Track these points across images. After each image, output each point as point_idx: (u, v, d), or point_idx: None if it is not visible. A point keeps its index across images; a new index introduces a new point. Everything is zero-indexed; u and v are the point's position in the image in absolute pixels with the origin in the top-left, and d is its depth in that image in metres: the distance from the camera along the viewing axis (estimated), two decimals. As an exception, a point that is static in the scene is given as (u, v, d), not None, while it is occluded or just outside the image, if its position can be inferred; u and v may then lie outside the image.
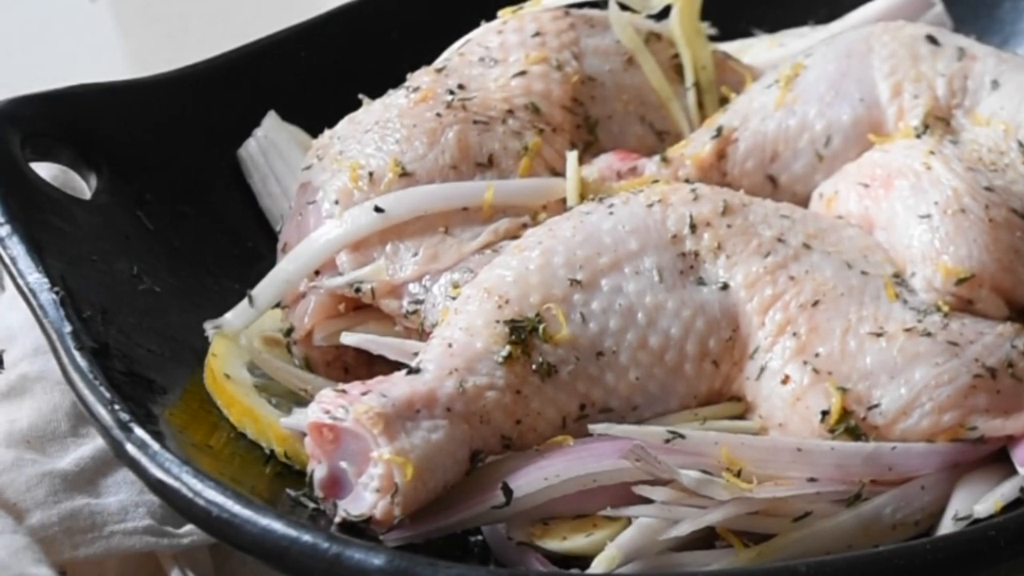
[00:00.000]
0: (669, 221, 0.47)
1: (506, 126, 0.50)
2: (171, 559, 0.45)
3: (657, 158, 0.51)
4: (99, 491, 0.45)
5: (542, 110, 0.51)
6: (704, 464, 0.42)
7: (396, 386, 0.42)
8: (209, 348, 0.49)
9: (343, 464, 0.42)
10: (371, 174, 0.49)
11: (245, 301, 0.50)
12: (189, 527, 0.45)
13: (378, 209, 0.47)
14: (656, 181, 0.50)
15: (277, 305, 0.51)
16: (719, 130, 0.51)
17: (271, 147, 0.57)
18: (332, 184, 0.49)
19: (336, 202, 0.48)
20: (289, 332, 0.49)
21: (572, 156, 0.49)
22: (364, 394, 0.42)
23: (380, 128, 0.49)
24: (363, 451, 0.41)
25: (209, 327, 0.50)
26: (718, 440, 0.42)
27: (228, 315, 0.50)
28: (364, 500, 0.41)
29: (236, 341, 0.50)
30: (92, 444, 0.46)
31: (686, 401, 0.47)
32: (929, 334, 0.45)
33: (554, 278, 0.45)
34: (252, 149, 0.57)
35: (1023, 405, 0.46)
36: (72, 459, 0.48)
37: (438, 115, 0.49)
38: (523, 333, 0.44)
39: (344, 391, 0.43)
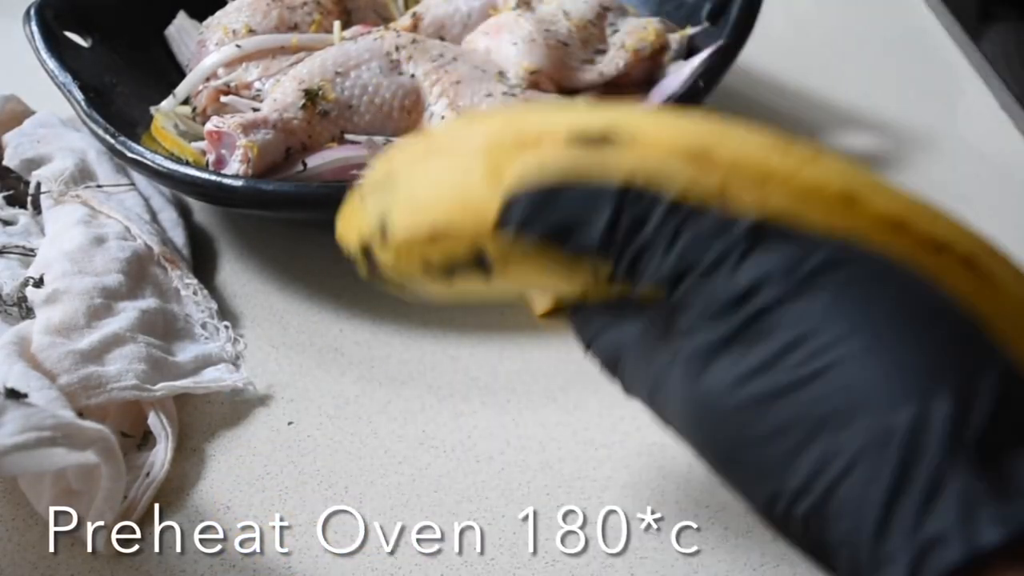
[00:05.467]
0: (385, 45, 0.70)
1: (304, 8, 0.75)
2: (150, 406, 0.57)
3: (381, 27, 0.74)
4: (104, 362, 0.57)
5: (321, 2, 0.76)
6: (403, 154, 0.71)
7: (248, 115, 0.66)
8: (152, 120, 0.69)
9: (224, 151, 0.64)
10: (234, 31, 0.73)
11: (171, 95, 0.71)
12: (161, 384, 0.57)
13: (238, 46, 0.72)
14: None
15: (186, 102, 0.72)
16: (413, 13, 0.76)
17: (183, 30, 0.78)
18: (213, 37, 0.74)
19: (216, 44, 0.73)
20: (193, 110, 0.72)
21: (336, 25, 0.74)
22: (232, 118, 0.66)
23: (237, 10, 0.74)
24: (232, 143, 0.63)
25: (152, 109, 0.71)
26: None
27: (163, 103, 0.71)
28: (234, 167, 0.63)
29: (167, 114, 0.70)
30: (100, 332, 0.58)
31: (397, 132, 0.69)
32: (515, 96, 0.69)
33: (325, 70, 0.69)
34: (172, 31, 0.78)
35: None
36: (87, 342, 0.57)
37: (268, 4, 0.75)
38: (311, 94, 0.67)
39: (222, 119, 0.66)
